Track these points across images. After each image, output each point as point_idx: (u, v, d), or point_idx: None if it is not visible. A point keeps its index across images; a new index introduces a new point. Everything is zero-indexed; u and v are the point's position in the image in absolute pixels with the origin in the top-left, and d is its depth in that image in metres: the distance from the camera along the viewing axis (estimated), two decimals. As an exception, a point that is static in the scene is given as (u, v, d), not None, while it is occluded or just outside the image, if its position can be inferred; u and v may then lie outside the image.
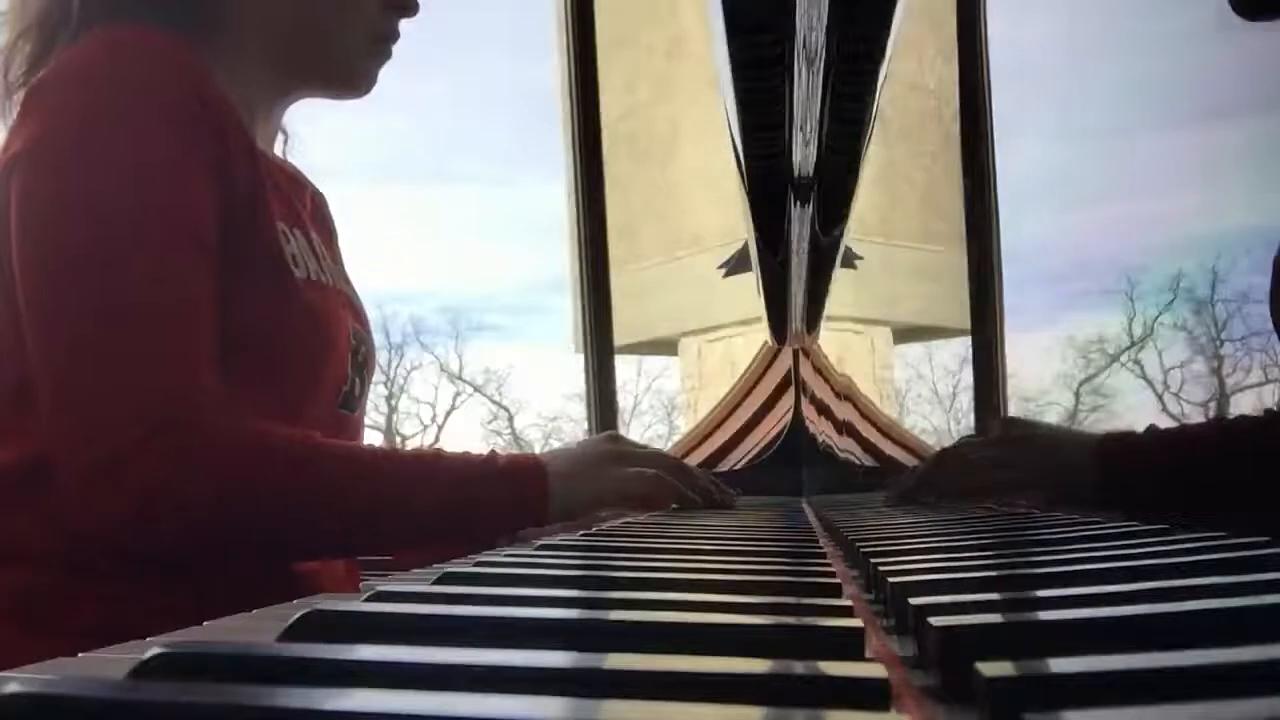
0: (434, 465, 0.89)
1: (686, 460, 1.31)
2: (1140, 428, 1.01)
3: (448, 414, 10.41)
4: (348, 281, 1.07)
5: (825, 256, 1.32)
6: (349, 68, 1.01)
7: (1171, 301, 9.10)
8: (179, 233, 0.82)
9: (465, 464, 0.90)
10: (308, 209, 1.04)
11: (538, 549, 0.62)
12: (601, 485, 0.94)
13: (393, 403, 11.10)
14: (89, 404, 0.79)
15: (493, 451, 0.92)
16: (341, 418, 0.98)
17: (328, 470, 0.84)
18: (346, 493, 0.85)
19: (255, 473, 0.81)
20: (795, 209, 1.11)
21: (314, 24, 0.98)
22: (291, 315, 0.89)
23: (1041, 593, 0.40)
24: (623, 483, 0.95)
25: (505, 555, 0.58)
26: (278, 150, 1.07)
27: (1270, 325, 1.02)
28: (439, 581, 0.45)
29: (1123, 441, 0.99)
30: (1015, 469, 1.03)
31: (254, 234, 0.88)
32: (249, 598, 0.44)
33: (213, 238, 0.84)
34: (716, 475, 1.14)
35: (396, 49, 1.02)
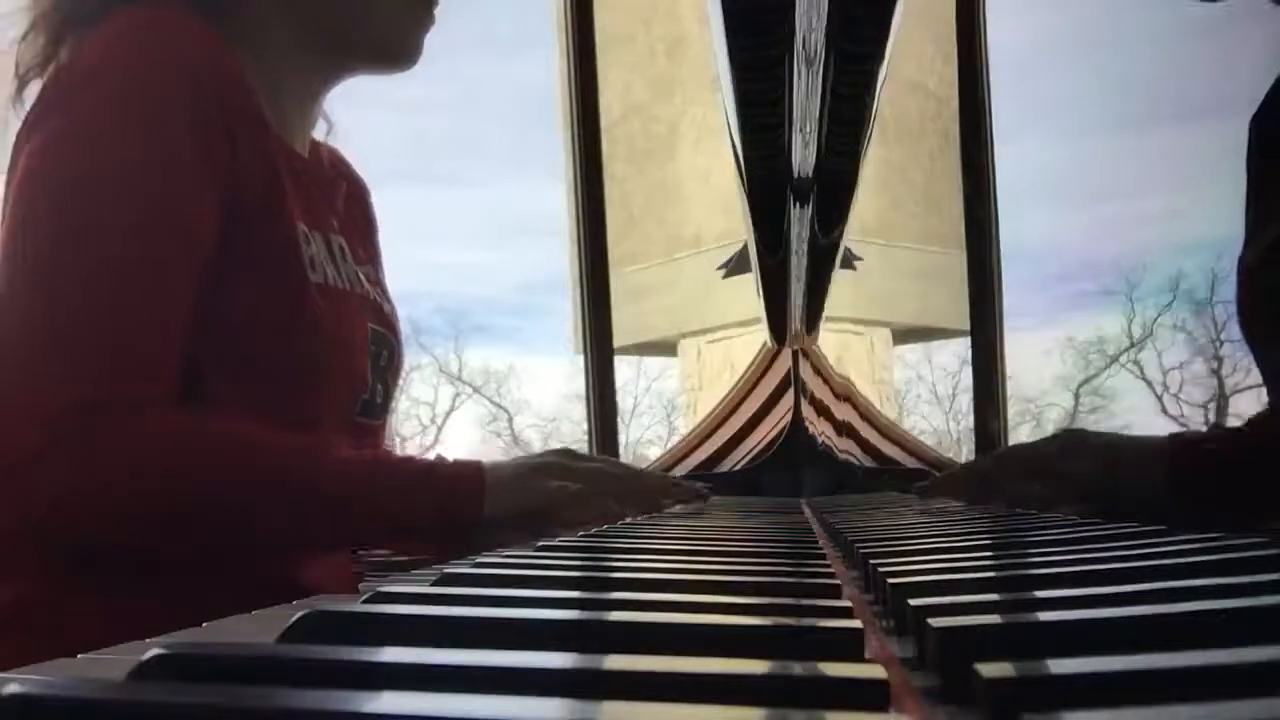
0: (377, 464, 0.88)
1: (685, 461, 1.31)
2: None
3: (447, 415, 10.39)
4: (377, 282, 1.04)
5: (824, 257, 1.32)
6: (393, 39, 0.97)
7: (1171, 302, 9.08)
8: (164, 233, 0.81)
9: (408, 465, 0.89)
10: (339, 208, 1.01)
11: (537, 549, 0.62)
12: (529, 495, 0.90)
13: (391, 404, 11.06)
14: (12, 390, 0.77)
15: (439, 456, 0.91)
16: (361, 425, 0.96)
17: (260, 463, 0.82)
18: (279, 487, 0.83)
19: (180, 461, 0.79)
20: (795, 209, 1.11)
21: None
22: (301, 317, 0.88)
23: (1041, 593, 0.40)
24: (544, 494, 0.91)
25: (505, 556, 0.58)
26: (319, 136, 1.03)
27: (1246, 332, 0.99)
28: (438, 582, 0.45)
29: (1194, 444, 0.92)
30: (1076, 475, 0.95)
31: (269, 232, 0.86)
32: (249, 606, 0.43)
33: (208, 239, 0.83)
34: (715, 476, 1.14)
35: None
